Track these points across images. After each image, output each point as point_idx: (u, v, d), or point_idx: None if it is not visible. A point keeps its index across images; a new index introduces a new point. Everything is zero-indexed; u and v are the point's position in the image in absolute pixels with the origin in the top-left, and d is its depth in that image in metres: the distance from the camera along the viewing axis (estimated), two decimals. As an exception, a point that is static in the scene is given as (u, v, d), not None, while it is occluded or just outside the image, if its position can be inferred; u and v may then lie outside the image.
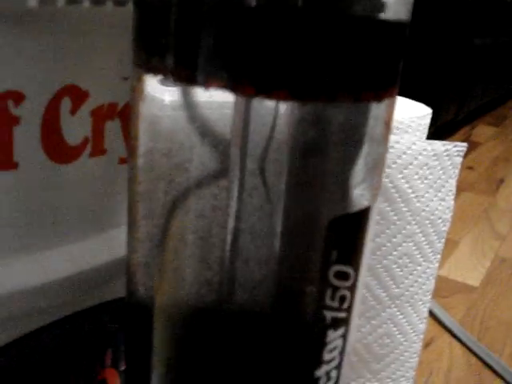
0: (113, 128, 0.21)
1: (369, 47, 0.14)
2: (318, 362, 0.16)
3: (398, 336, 0.46)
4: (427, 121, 0.43)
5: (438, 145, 0.42)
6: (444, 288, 0.78)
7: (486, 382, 0.59)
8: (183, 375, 0.17)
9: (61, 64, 0.18)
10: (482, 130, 1.89)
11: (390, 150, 0.40)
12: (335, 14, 0.13)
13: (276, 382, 0.16)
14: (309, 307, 0.16)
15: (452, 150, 0.42)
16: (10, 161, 0.18)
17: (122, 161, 0.22)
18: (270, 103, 0.14)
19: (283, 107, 0.14)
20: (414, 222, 0.43)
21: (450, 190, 0.44)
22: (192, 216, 0.15)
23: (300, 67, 0.13)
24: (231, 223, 0.15)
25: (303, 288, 0.16)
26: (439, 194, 0.43)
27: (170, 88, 0.15)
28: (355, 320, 0.18)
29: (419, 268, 0.45)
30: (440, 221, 0.44)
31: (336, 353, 0.17)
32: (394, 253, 0.43)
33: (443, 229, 0.45)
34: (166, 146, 0.15)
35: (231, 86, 0.13)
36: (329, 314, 0.16)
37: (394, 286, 0.44)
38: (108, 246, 0.22)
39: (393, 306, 0.45)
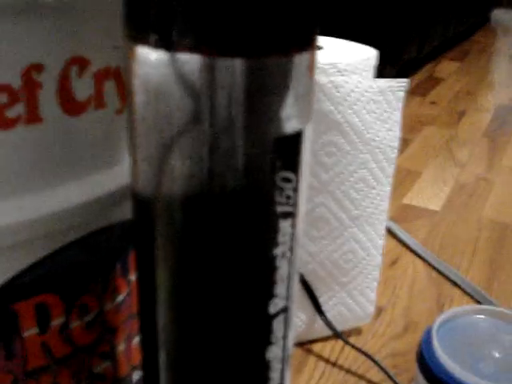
0: (110, 86, 0.27)
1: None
2: (275, 243, 0.23)
3: (360, 252, 0.53)
4: (373, 62, 0.49)
5: (382, 82, 0.48)
6: (407, 214, 0.85)
7: (446, 292, 0.67)
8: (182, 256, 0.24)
9: (69, 41, 0.24)
10: (446, 66, 1.95)
11: (340, 89, 0.46)
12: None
13: (240, 261, 0.23)
14: (264, 204, 0.22)
15: (394, 86, 0.49)
16: (37, 117, 0.24)
17: (118, 112, 0.28)
18: (223, 60, 0.20)
19: (234, 63, 0.20)
20: (365, 151, 0.49)
21: (396, 121, 0.50)
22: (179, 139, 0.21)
23: (245, 30, 0.19)
24: (208, 142, 0.21)
25: (259, 190, 0.22)
26: (386, 125, 0.50)
27: (153, 52, 0.21)
28: (303, 216, 0.25)
29: (374, 191, 0.51)
30: (389, 149, 0.51)
31: (287, 238, 0.23)
32: (351, 179, 0.49)
33: (392, 156, 0.51)
34: (153, 98, 0.21)
35: (195, 50, 0.20)
36: (279, 209, 0.23)
37: (353, 208, 0.51)
38: (113, 177, 0.28)
39: (353, 225, 0.52)
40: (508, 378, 0.38)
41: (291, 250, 0.24)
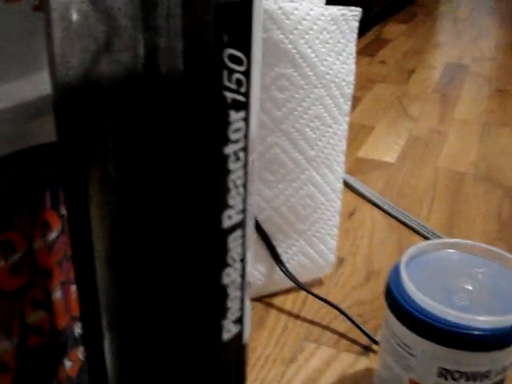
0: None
1: None
2: (225, 139, 0.19)
3: (319, 196, 0.50)
4: (323, -11, 0.46)
5: (334, 9, 0.44)
6: (362, 166, 0.83)
7: (407, 239, 0.65)
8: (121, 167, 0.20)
9: None
10: (392, 28, 1.94)
11: (290, 17, 0.42)
12: None
13: (184, 160, 0.19)
14: (210, 87, 0.19)
15: (348, 15, 0.46)
16: None
17: (36, 8, 0.23)
18: None
19: None
20: (320, 86, 0.46)
21: (351, 54, 0.47)
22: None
23: None
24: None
25: (204, 69, 0.19)
26: (340, 58, 0.46)
27: None
28: (256, 116, 0.21)
29: (330, 130, 0.48)
30: (344, 83, 0.48)
31: (241, 134, 0.20)
32: (305, 116, 0.46)
33: (348, 91, 0.48)
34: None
35: None
36: (228, 95, 0.19)
37: (309, 149, 0.48)
38: (33, 86, 0.24)
39: (310, 167, 0.49)
40: (482, 309, 0.36)
41: (245, 151, 0.20)
